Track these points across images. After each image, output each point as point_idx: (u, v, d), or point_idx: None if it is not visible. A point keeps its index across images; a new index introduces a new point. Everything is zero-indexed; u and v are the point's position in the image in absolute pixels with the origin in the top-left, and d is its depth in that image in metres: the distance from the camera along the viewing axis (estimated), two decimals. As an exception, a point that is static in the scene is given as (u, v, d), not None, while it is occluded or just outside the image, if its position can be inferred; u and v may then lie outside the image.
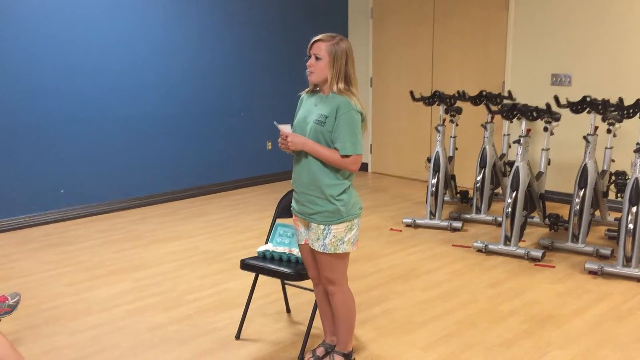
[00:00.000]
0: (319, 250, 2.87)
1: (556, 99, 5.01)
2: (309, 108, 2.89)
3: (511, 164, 5.00)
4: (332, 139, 2.78)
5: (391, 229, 5.52)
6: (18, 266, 4.65)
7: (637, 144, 4.29)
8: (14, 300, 3.44)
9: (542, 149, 5.29)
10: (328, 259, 2.89)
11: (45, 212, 5.70)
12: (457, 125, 5.86)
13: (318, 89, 2.90)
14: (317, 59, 2.79)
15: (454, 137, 5.91)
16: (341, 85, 2.79)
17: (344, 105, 2.75)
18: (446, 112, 5.72)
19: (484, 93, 5.67)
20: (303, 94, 3.01)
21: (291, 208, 3.05)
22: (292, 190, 3.51)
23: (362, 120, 2.82)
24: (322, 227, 2.84)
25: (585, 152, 4.79)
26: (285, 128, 2.86)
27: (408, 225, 5.60)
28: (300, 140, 2.81)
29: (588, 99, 4.84)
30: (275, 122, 2.90)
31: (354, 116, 2.76)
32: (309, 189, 2.85)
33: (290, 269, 3.22)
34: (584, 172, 4.75)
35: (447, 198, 6.00)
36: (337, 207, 2.82)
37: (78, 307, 3.91)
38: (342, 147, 2.75)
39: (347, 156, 2.76)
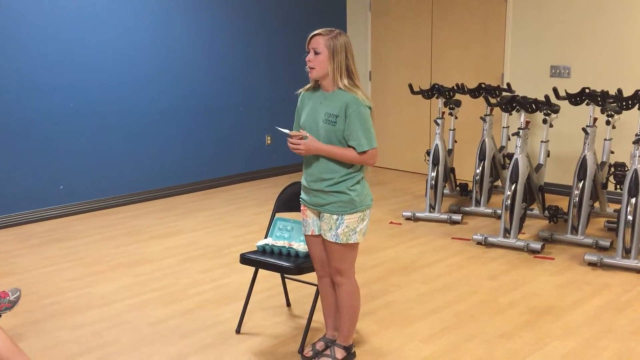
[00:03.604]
0: (330, 240, 2.87)
1: (555, 90, 5.01)
2: (315, 107, 2.86)
3: (510, 156, 5.00)
4: (345, 137, 2.77)
5: (391, 222, 5.53)
6: (19, 262, 4.66)
7: (636, 135, 4.30)
8: (14, 296, 3.45)
9: (541, 141, 5.29)
10: (339, 249, 2.90)
11: (45, 208, 5.71)
12: (456, 118, 5.87)
13: (319, 85, 2.87)
14: (316, 53, 2.77)
15: (453, 129, 5.91)
16: (346, 81, 2.77)
17: (352, 102, 2.75)
18: (445, 105, 5.72)
19: (483, 85, 5.66)
20: (302, 92, 2.97)
21: (300, 199, 3.04)
22: (291, 185, 3.53)
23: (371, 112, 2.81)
24: (335, 217, 2.85)
25: (585, 143, 4.79)
26: (288, 131, 2.84)
27: (408, 219, 5.61)
28: (314, 146, 2.78)
29: (587, 91, 4.84)
30: (277, 127, 2.88)
31: (364, 111, 2.76)
32: (322, 184, 2.85)
33: (290, 263, 3.22)
34: (583, 163, 4.76)
35: (446, 191, 5.99)
36: (352, 197, 2.83)
37: (79, 302, 3.92)
38: (358, 145, 2.76)
39: (364, 152, 2.77)
